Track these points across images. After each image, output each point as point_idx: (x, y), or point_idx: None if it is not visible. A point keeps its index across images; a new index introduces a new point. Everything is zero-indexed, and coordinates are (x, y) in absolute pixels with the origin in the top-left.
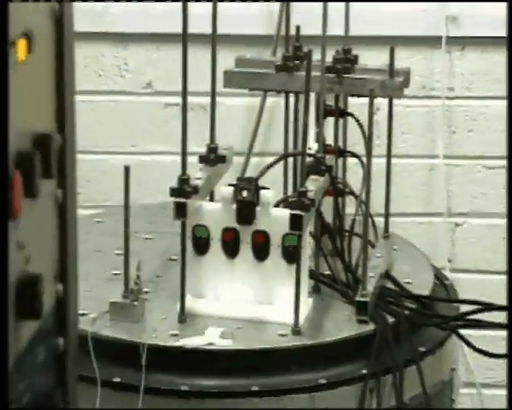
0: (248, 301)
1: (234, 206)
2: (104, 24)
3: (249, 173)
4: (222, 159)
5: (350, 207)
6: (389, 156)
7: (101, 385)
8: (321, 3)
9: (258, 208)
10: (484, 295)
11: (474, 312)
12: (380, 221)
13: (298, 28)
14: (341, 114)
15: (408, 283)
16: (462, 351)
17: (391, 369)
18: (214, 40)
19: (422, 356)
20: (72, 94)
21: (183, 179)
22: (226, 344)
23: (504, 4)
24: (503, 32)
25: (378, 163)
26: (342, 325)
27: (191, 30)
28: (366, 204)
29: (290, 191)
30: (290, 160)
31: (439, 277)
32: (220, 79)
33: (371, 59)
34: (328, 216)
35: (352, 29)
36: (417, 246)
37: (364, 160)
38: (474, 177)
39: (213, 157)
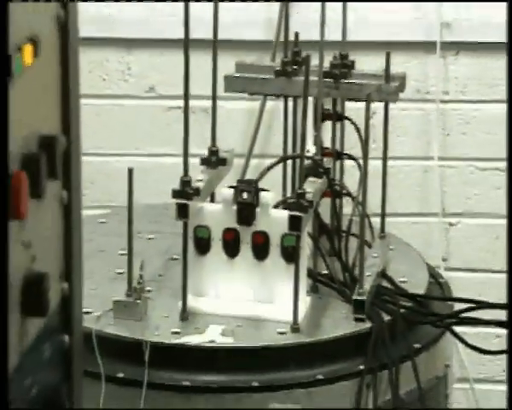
0: (248, 300)
1: (234, 207)
2: (109, 30)
3: (249, 175)
4: (223, 161)
5: (347, 207)
6: (385, 158)
7: (105, 381)
8: (319, 11)
9: (257, 210)
10: (477, 293)
11: (467, 310)
12: (376, 222)
13: (297, 34)
14: (339, 117)
15: (403, 281)
16: (456, 348)
17: (387, 365)
18: (215, 46)
19: (417, 353)
20: (77, 97)
21: (185, 181)
22: (227, 342)
23: (497, 10)
24: (495, 38)
25: (374, 165)
26: (340, 322)
27: (193, 35)
28: (363, 205)
29: (289, 193)
30: (289, 162)
31: (433, 275)
32: (221, 83)
33: (368, 64)
34: (326, 217)
35: (349, 35)
36: (413, 245)
37: (361, 162)
38: (467, 178)
39: (214, 160)
